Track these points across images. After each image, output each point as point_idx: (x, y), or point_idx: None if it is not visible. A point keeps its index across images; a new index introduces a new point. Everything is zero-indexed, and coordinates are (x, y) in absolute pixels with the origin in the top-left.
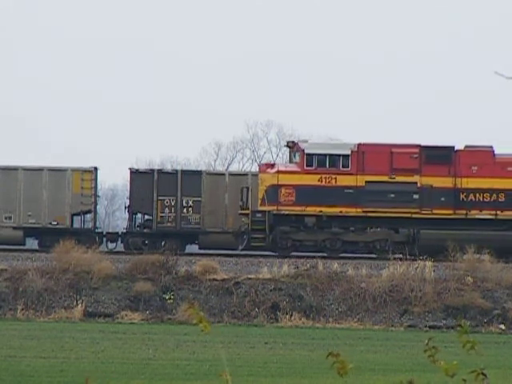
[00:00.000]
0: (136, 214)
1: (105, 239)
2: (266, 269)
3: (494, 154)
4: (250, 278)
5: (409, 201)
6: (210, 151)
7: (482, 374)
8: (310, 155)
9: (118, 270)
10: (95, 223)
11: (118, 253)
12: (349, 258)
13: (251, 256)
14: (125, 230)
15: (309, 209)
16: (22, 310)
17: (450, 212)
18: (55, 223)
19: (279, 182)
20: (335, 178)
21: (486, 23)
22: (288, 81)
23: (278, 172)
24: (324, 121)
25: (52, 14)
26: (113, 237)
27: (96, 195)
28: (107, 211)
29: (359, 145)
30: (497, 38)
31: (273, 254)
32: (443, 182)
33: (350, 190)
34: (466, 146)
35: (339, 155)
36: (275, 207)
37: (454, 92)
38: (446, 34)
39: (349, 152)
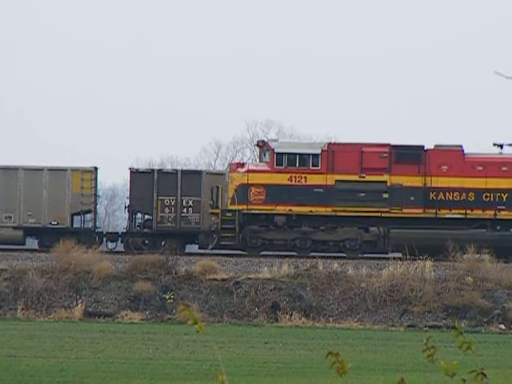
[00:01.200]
0: (136, 213)
1: (105, 239)
2: (266, 269)
3: (464, 154)
4: (249, 278)
5: (378, 200)
6: (210, 151)
7: (482, 373)
8: (279, 154)
9: (117, 270)
10: (95, 223)
11: (117, 253)
12: (349, 257)
13: (251, 256)
14: (125, 230)
15: (279, 208)
16: (22, 309)
17: (420, 211)
18: (55, 223)
19: (249, 181)
20: (305, 177)
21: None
22: (288, 81)
23: (248, 171)
24: (324, 121)
25: (52, 14)
26: (113, 237)
27: (96, 195)
28: (107, 211)
29: (329, 144)
30: (497, 38)
31: (273, 253)
32: (413, 181)
33: (320, 189)
34: (436, 146)
35: (309, 154)
36: (245, 206)
37: (458, 92)
38: (456, 29)
39: (319, 151)
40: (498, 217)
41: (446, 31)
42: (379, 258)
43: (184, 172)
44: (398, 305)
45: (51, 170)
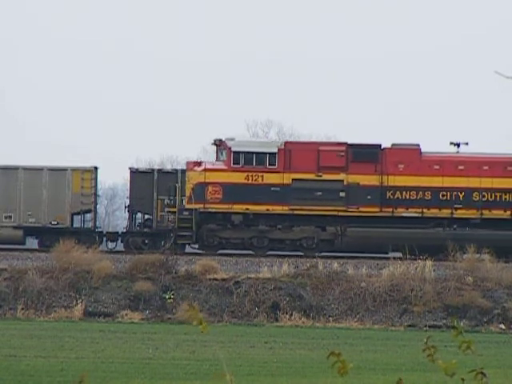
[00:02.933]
0: (136, 213)
1: (105, 239)
2: (266, 268)
3: (421, 152)
4: (250, 278)
5: (335, 199)
6: (210, 151)
7: (482, 373)
8: (236, 153)
9: (117, 270)
10: (95, 223)
11: (117, 252)
12: (348, 257)
13: (251, 256)
14: (125, 230)
15: (235, 207)
16: (22, 309)
17: (377, 210)
18: (55, 223)
19: (206, 180)
20: (262, 176)
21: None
22: (288, 81)
23: (205, 170)
24: (324, 121)
25: (52, 14)
26: (113, 236)
27: (96, 195)
28: (107, 211)
29: (286, 143)
30: (497, 38)
31: (273, 253)
32: (370, 179)
33: (277, 188)
34: (393, 145)
35: (266, 153)
36: (202, 205)
37: (458, 92)
38: (456, 29)
39: (275, 150)
40: (454, 215)
41: (446, 31)
42: (379, 258)
43: (184, 172)
44: (398, 304)
45: (51, 169)
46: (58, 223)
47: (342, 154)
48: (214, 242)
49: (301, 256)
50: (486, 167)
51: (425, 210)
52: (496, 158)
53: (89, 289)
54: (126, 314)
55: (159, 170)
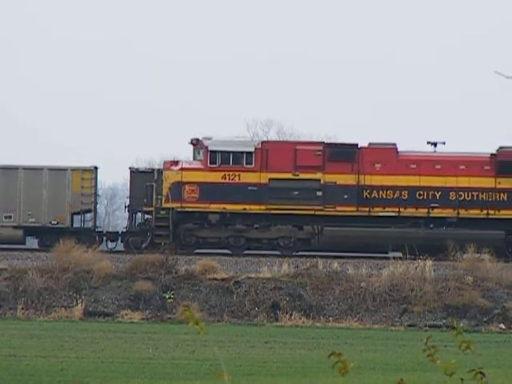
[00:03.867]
0: (136, 213)
1: (105, 238)
2: (266, 268)
3: (398, 152)
4: (250, 278)
5: (312, 198)
6: None
7: (481, 373)
8: (213, 152)
9: (118, 270)
10: (95, 223)
11: (117, 252)
12: (348, 257)
13: (251, 255)
14: (125, 230)
15: (212, 206)
16: (22, 309)
17: (353, 209)
18: (55, 222)
19: (183, 179)
20: (239, 175)
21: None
22: (288, 81)
23: (182, 169)
24: (324, 121)
25: (52, 14)
26: (113, 236)
27: (96, 194)
28: (107, 210)
29: (263, 142)
30: (497, 38)
31: (273, 253)
32: (346, 179)
33: (254, 188)
34: (370, 144)
35: (243, 152)
36: (179, 204)
37: (458, 92)
38: (456, 29)
39: (252, 149)
40: (431, 215)
41: (446, 31)
42: (379, 258)
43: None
44: (398, 304)
45: (51, 169)
46: (58, 223)
47: (319, 153)
48: (191, 242)
49: (301, 256)
50: (462, 166)
51: (401, 210)
52: (473, 157)
53: (89, 289)
54: (126, 314)
55: (159, 170)
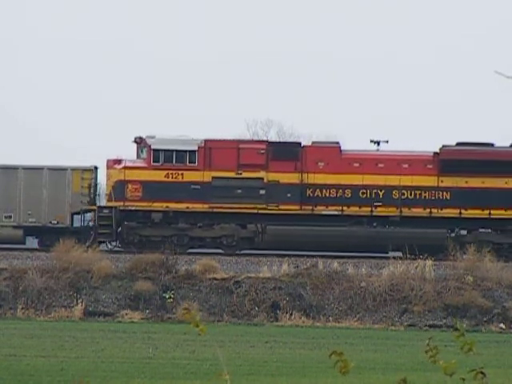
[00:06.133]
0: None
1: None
2: (266, 268)
3: (341, 150)
4: (250, 277)
5: (255, 197)
6: None
7: (481, 373)
8: (156, 151)
9: (117, 269)
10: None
11: (117, 252)
12: (348, 257)
13: (251, 255)
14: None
15: (156, 204)
16: (22, 309)
17: (297, 208)
18: (55, 222)
19: (126, 178)
20: (182, 174)
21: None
22: (288, 81)
23: (125, 168)
24: (324, 121)
25: (52, 14)
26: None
27: (96, 194)
28: None
29: (206, 141)
30: (497, 38)
31: (273, 253)
32: (290, 177)
33: (197, 186)
34: (313, 142)
35: (186, 151)
36: (122, 203)
37: (458, 92)
38: (456, 29)
39: (195, 148)
40: (374, 213)
41: (446, 31)
42: (379, 258)
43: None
44: (398, 304)
45: (51, 169)
46: (57, 223)
47: (262, 151)
48: (135, 240)
49: (301, 255)
50: (405, 165)
51: (344, 208)
52: (416, 155)
53: (89, 288)
54: (126, 314)
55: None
